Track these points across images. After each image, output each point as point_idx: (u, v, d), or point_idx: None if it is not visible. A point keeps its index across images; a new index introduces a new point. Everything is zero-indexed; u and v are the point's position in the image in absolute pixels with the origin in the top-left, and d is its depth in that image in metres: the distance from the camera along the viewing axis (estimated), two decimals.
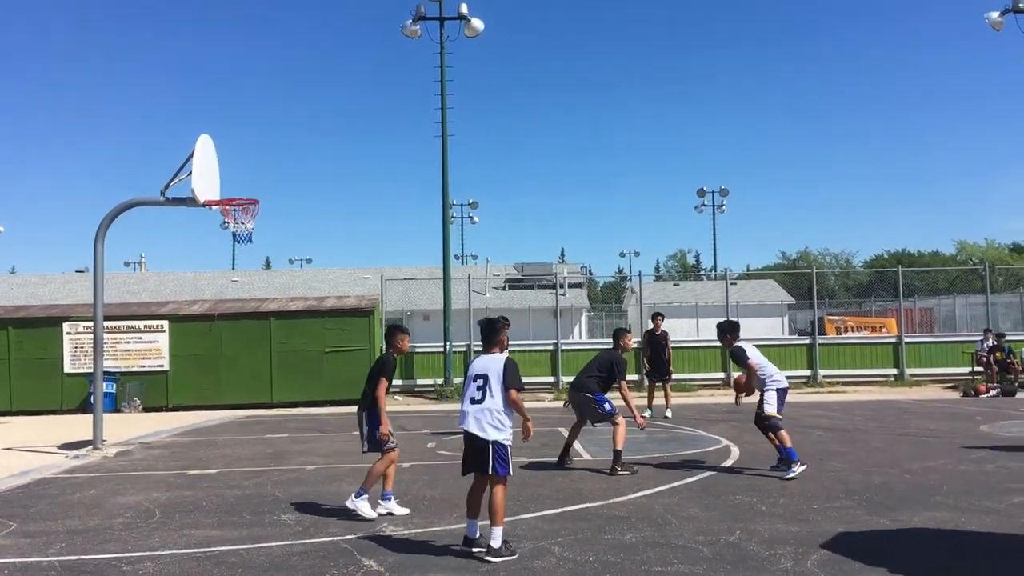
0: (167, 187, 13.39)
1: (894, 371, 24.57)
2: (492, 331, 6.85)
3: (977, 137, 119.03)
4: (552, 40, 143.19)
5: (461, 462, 6.71)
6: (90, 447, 13.09)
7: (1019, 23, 22.45)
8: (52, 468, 11.53)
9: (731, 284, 28.30)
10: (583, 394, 10.53)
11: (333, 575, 5.98)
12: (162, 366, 21.79)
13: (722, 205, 56.17)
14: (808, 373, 24.51)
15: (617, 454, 10.11)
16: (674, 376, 17.98)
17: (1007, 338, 22.97)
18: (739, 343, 10.26)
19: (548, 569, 6.02)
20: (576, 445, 12.37)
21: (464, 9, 24.28)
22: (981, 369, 22.63)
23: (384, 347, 8.08)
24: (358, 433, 8.12)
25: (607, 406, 10.41)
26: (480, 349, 7.01)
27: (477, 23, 24.25)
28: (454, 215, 57.59)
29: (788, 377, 24.64)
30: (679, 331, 35.78)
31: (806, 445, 12.27)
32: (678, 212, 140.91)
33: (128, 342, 21.82)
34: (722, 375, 24.43)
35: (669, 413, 16.45)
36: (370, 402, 7.86)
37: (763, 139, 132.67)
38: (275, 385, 21.75)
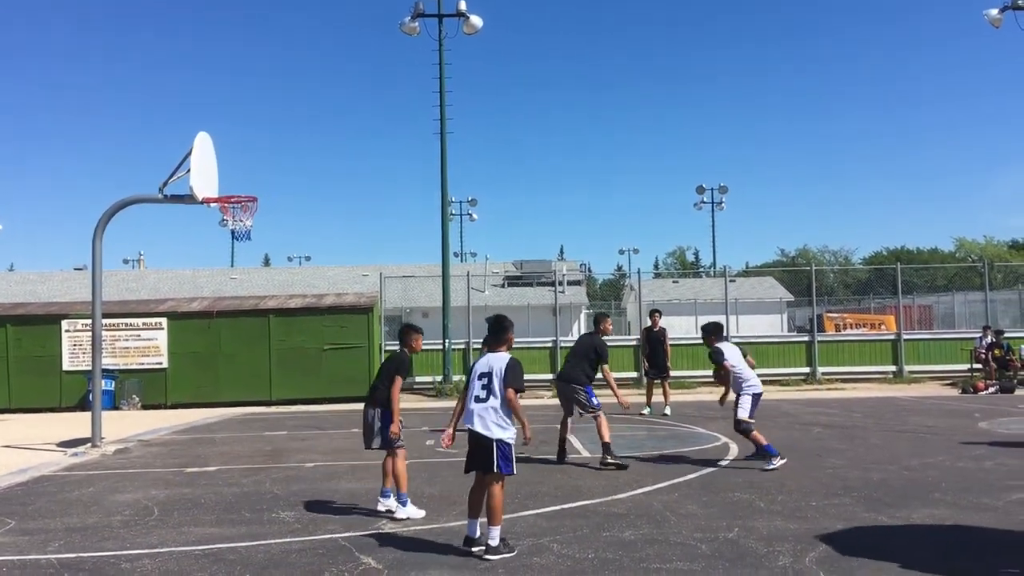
0: (165, 184, 13.37)
1: (893, 368, 24.59)
2: (500, 329, 6.80)
3: (976, 134, 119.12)
4: (551, 38, 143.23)
5: (465, 459, 6.66)
6: (89, 445, 13.08)
7: (1018, 20, 22.43)
8: (51, 466, 11.52)
9: (730, 281, 28.29)
10: (571, 385, 10.73)
11: (332, 572, 5.98)
12: (161, 364, 21.79)
13: (721, 202, 56.21)
14: (807, 370, 24.54)
15: (606, 446, 10.31)
16: (672, 373, 17.97)
17: (1006, 335, 22.98)
18: (719, 344, 10.49)
19: (547, 566, 6.02)
20: (574, 442, 12.39)
21: (463, 6, 24.24)
22: (980, 366, 22.63)
23: (399, 346, 7.97)
24: (361, 429, 8.02)
25: (594, 400, 10.64)
26: (478, 347, 6.99)
27: (476, 20, 24.22)
28: (453, 212, 57.57)
29: (787, 375, 24.88)
30: (678, 328, 35.77)
31: (805, 442, 12.29)
32: (677, 209, 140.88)
33: (127, 340, 21.81)
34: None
35: (668, 410, 16.45)
36: (384, 399, 7.77)
37: (762, 137, 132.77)
38: (274, 382, 21.74)
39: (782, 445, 11.84)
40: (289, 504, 8.49)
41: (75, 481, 10.31)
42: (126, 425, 16.44)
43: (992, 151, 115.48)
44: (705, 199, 55.89)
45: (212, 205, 13.72)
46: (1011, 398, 19.59)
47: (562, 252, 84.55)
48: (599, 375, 11.02)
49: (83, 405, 20.28)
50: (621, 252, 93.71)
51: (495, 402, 6.40)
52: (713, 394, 21.73)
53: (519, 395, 6.47)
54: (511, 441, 6.44)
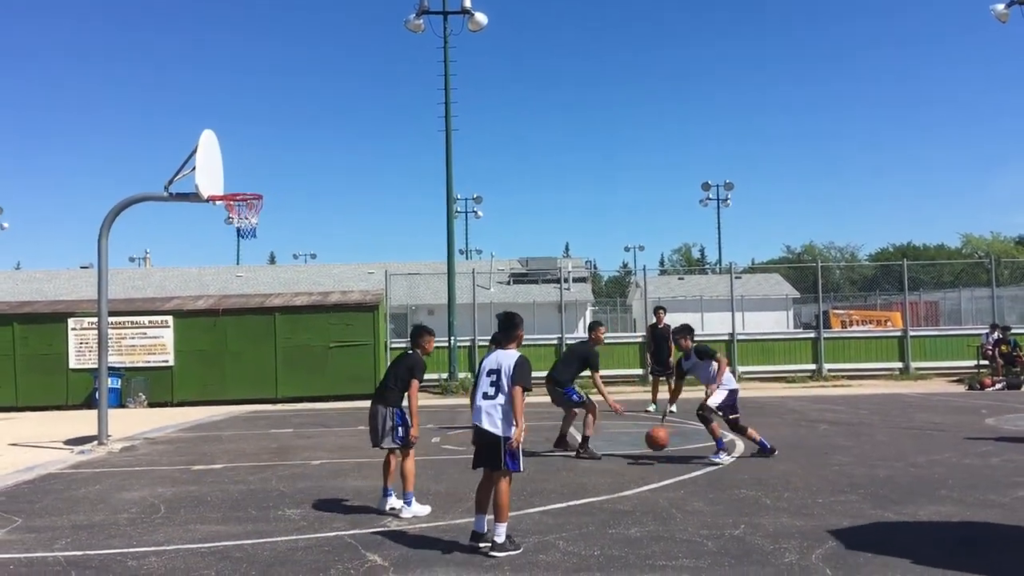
0: (171, 183, 13.39)
1: (899, 365, 24.55)
2: (510, 326, 6.76)
3: (983, 130, 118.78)
4: (556, 34, 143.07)
5: (472, 456, 6.66)
6: (95, 443, 13.11)
7: None
8: (57, 464, 11.55)
9: (736, 278, 28.26)
10: (555, 388, 11.37)
11: (338, 570, 5.98)
12: (167, 361, 21.83)
13: (727, 199, 56.15)
14: (813, 367, 24.51)
15: (585, 439, 10.87)
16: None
17: (1013, 331, 22.91)
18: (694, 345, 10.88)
19: (553, 563, 6.01)
20: (578, 438, 12.38)
21: (467, 3, 24.21)
22: (987, 362, 22.58)
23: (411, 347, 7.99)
24: (368, 427, 7.97)
25: (575, 396, 11.24)
26: (484, 344, 6.97)
27: (480, 17, 24.18)
28: (458, 210, 57.57)
29: (793, 371, 24.80)
30: None
31: (811, 439, 12.26)
32: (683, 206, 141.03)
33: (133, 337, 21.85)
34: None
35: (674, 407, 16.40)
36: (396, 400, 7.73)
37: (768, 133, 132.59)
38: (280, 380, 21.77)
39: (788, 442, 11.84)
40: (295, 502, 8.50)
41: (82, 479, 10.34)
42: (132, 423, 16.47)
43: (999, 147, 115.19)
44: (711, 196, 55.86)
45: (217, 203, 13.74)
46: (1018, 394, 19.54)
47: (567, 249, 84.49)
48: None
49: (89, 403, 20.36)
50: (627, 249, 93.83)
51: (503, 399, 6.39)
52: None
53: (526, 393, 6.47)
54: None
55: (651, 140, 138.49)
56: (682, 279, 49.80)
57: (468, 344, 24.47)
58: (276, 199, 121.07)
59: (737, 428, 10.52)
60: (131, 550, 6.69)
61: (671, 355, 16.96)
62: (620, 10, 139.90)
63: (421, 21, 24.24)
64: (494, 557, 6.14)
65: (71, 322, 21.82)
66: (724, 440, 10.49)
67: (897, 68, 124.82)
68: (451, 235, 25.04)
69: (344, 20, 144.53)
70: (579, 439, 11.13)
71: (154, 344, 21.87)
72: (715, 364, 10.35)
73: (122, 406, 20.75)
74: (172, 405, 21.20)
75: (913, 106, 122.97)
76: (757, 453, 10.52)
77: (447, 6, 24.52)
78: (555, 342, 24.42)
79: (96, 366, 14.56)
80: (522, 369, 6.45)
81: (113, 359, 19.42)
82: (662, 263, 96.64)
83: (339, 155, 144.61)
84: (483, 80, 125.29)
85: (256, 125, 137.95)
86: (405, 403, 7.75)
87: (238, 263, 57.84)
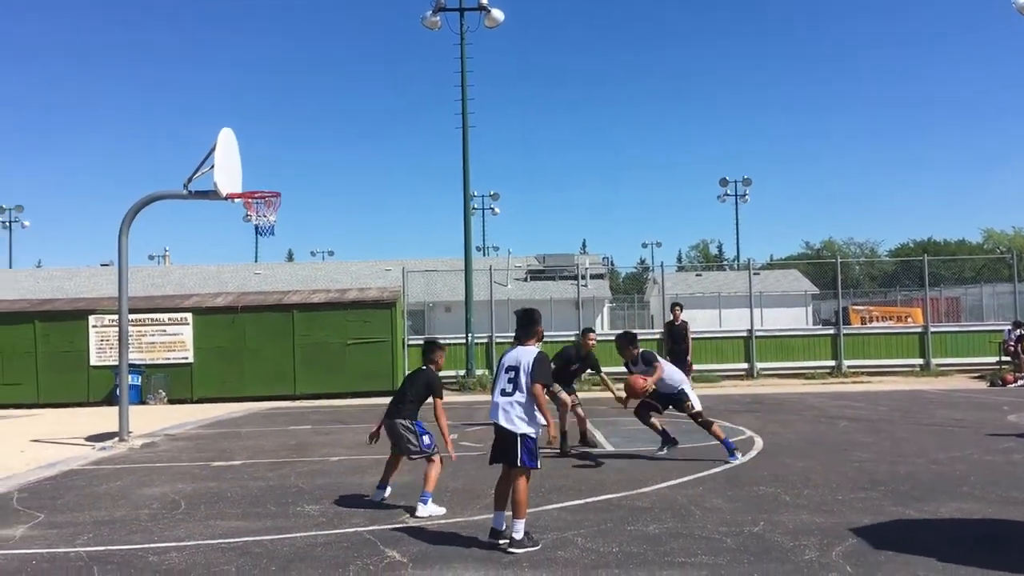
0: (190, 180, 13.46)
1: (920, 361, 24.38)
2: (530, 322, 6.76)
3: (1004, 124, 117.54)
4: (573, 32, 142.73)
5: (490, 452, 6.67)
6: (116, 439, 13.21)
7: None
8: (79, 460, 11.64)
9: (754, 274, 28.11)
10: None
11: (357, 566, 5.99)
12: (186, 358, 21.96)
13: (745, 195, 55.83)
14: (832, 363, 24.37)
15: (564, 434, 10.94)
16: (696, 367, 17.89)
17: None
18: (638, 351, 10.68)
19: (571, 560, 6.00)
20: (597, 436, 12.38)
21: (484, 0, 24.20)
22: (1008, 359, 22.37)
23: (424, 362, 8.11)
24: (391, 440, 8.03)
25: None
26: (501, 341, 6.96)
27: (497, 13, 24.15)
28: (475, 207, 57.61)
29: (812, 368, 24.68)
30: (701, 322, 35.61)
31: (831, 435, 12.19)
32: (700, 202, 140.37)
33: (153, 335, 22.00)
34: (745, 366, 24.32)
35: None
36: (414, 412, 7.88)
37: (787, 128, 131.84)
38: (298, 377, 21.86)
39: (808, 439, 11.78)
40: (314, 498, 8.53)
41: (103, 475, 10.42)
42: (153, 419, 16.59)
43: (1022, 141, 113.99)
44: (728, 192, 55.56)
45: (236, 201, 13.80)
46: None
47: (585, 246, 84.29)
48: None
49: (110, 400, 20.49)
50: (644, 245, 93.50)
51: (521, 396, 6.39)
52: (737, 388, 21.68)
53: (546, 390, 6.47)
54: (535, 436, 6.44)
55: (669, 136, 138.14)
56: (700, 275, 49.64)
57: (485, 341, 24.47)
58: (294, 197, 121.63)
59: (645, 418, 10.39)
60: (152, 546, 6.73)
61: (689, 352, 16.93)
62: (637, 6, 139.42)
63: (438, 18, 24.25)
64: (512, 553, 6.14)
65: (92, 319, 21.99)
66: (731, 440, 10.43)
67: (918, 62, 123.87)
68: (468, 232, 25.05)
69: (360, 18, 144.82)
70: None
71: (174, 341, 22.01)
72: (654, 368, 10.23)
73: (142, 403, 20.90)
74: (192, 402, 21.33)
75: (934, 101, 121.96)
76: (662, 446, 10.49)
77: (464, 3, 24.51)
78: (572, 339, 24.36)
79: (117, 363, 14.67)
80: (541, 366, 6.45)
81: (133, 356, 19.55)
82: (680, 259, 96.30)
83: (356, 153, 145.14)
84: (501, 77, 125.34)
85: (273, 124, 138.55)
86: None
87: (256, 261, 58.08)
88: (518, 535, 6.25)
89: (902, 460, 9.93)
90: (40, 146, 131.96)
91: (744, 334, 24.72)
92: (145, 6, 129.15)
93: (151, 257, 62.34)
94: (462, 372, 23.66)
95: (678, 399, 10.26)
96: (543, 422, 6.51)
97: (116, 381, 16.05)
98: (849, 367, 24.20)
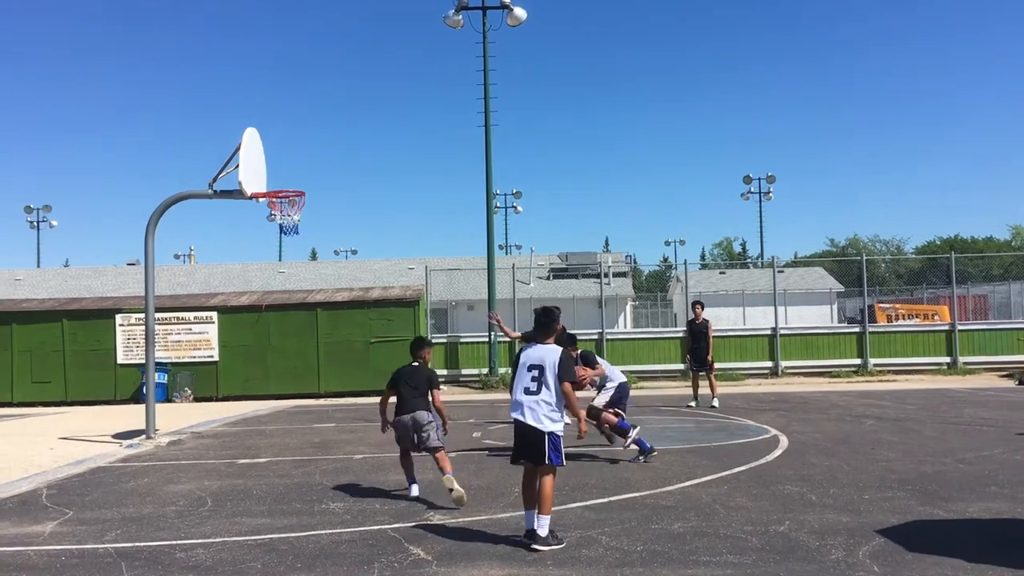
0: (215, 180, 13.56)
1: (947, 359, 24.13)
2: (550, 320, 6.78)
3: None
4: (596, 29, 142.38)
5: (512, 452, 6.70)
6: (143, 436, 13.33)
7: None
8: (107, 457, 11.76)
9: (778, 272, 27.93)
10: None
11: (382, 563, 6.02)
12: (212, 357, 22.13)
13: (769, 192, 55.47)
14: (858, 362, 24.17)
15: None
16: (721, 365, 17.80)
17: None
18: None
19: (596, 558, 6.00)
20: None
21: None
22: None
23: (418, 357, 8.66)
24: (403, 438, 8.31)
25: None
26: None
27: (520, 12, 24.13)
28: (498, 205, 57.65)
29: (837, 366, 24.53)
30: (725, 320, 35.47)
31: (857, 434, 12.10)
32: (724, 200, 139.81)
33: (179, 333, 22.18)
34: (769, 364, 24.18)
35: (716, 403, 16.30)
36: (426, 405, 8.24)
37: (811, 124, 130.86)
38: (322, 375, 21.97)
39: (834, 438, 11.70)
40: (339, 495, 8.58)
41: (130, 472, 10.52)
42: (179, 417, 16.73)
43: None
44: (752, 189, 55.24)
45: (260, 200, 13.89)
46: None
47: (607, 244, 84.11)
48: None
49: (137, 397, 20.72)
50: (667, 243, 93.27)
51: (548, 395, 6.42)
52: (761, 386, 21.56)
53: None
54: (561, 433, 6.47)
55: (692, 133, 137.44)
56: (723, 273, 49.39)
57: (507, 339, 24.45)
58: (317, 196, 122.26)
59: (598, 419, 10.44)
60: (179, 542, 6.80)
61: (709, 351, 16.80)
62: (655, 5, 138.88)
63: (460, 17, 24.27)
64: (537, 551, 6.15)
65: (119, 318, 22.21)
66: (625, 422, 10.36)
67: (943, 57, 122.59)
68: (491, 230, 25.07)
69: (384, 17, 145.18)
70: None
71: (199, 339, 22.18)
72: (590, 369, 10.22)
73: (169, 401, 21.09)
74: (217, 400, 21.50)
75: (959, 96, 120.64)
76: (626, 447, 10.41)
77: (486, 2, 24.52)
78: (595, 337, 24.35)
79: (143, 361, 14.80)
80: (567, 364, 6.51)
81: (160, 354, 19.73)
82: (703, 257, 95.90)
83: (379, 152, 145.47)
84: (521, 75, 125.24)
85: (298, 124, 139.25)
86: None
87: (280, 259, 58.44)
88: (543, 532, 6.25)
89: (929, 459, 9.84)
90: (67, 146, 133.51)
91: (768, 332, 24.58)
92: (171, 6, 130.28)
93: (177, 256, 62.93)
94: (485, 371, 23.70)
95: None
96: (568, 420, 6.56)
97: (143, 379, 16.21)
98: (875, 365, 23.99)
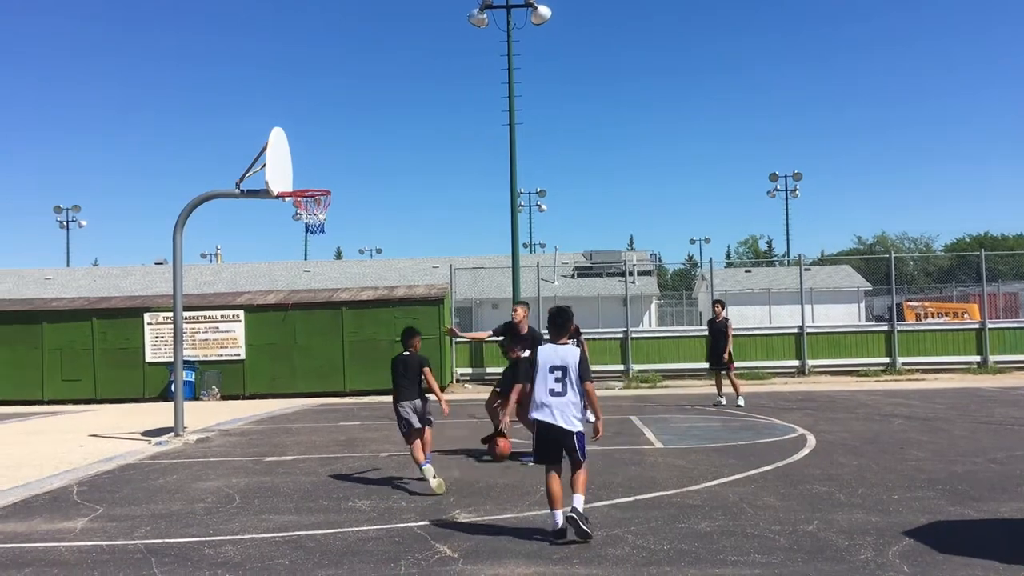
0: (242, 180, 13.64)
1: (977, 358, 23.85)
2: (565, 320, 6.82)
3: None
4: (622, 27, 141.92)
5: (537, 453, 6.77)
6: (171, 434, 13.45)
7: None
8: (136, 454, 11.88)
9: (805, 270, 27.73)
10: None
11: (408, 560, 6.03)
12: (238, 355, 22.30)
13: (795, 189, 55.14)
14: (886, 360, 23.94)
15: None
16: (747, 364, 17.67)
17: None
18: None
19: (622, 557, 5.98)
20: (647, 432, 12.33)
21: None
22: None
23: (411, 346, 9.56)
24: (406, 424, 8.99)
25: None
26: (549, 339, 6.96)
27: (544, 10, 24.09)
28: (522, 203, 57.65)
29: (865, 365, 24.32)
30: (750, 318, 35.31)
31: (886, 434, 11.98)
32: (750, 197, 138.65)
33: (206, 332, 22.37)
34: (796, 363, 24.00)
35: (741, 401, 16.20)
36: (421, 392, 9.13)
37: (837, 121, 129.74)
38: (347, 374, 22.08)
39: (862, 437, 11.60)
40: (365, 493, 8.61)
41: (159, 469, 10.62)
42: (206, 415, 16.86)
43: None
44: (778, 186, 54.91)
45: (287, 199, 13.97)
46: None
47: (632, 242, 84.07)
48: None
49: (165, 395, 20.94)
50: (692, 242, 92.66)
51: (574, 396, 6.51)
52: (787, 385, 21.41)
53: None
54: (583, 431, 6.59)
55: (717, 131, 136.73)
56: (749, 272, 49.09)
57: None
58: (343, 196, 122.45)
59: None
60: (208, 539, 6.85)
61: (726, 349, 16.65)
62: (679, 1, 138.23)
63: (485, 16, 24.27)
64: (577, 522, 6.22)
65: (147, 317, 22.42)
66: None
67: (969, 55, 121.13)
68: (515, 229, 25.05)
69: (408, 16, 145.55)
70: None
71: (226, 338, 22.35)
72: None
73: (196, 399, 21.27)
74: (243, 398, 21.65)
75: (987, 92, 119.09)
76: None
77: (510, 0, 24.50)
78: (620, 336, 24.28)
79: (171, 359, 14.93)
80: (586, 364, 6.65)
81: (187, 353, 19.89)
82: (728, 255, 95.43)
83: (404, 151, 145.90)
84: (546, 73, 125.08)
85: (324, 125, 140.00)
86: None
87: (306, 258, 58.83)
88: (581, 507, 6.35)
89: (960, 459, 9.72)
90: (96, 146, 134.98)
91: (795, 330, 24.39)
92: (171, 6, 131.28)
93: (203, 255, 63.47)
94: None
95: None
96: (591, 418, 6.66)
97: (171, 377, 16.38)
98: (904, 364, 23.76)
